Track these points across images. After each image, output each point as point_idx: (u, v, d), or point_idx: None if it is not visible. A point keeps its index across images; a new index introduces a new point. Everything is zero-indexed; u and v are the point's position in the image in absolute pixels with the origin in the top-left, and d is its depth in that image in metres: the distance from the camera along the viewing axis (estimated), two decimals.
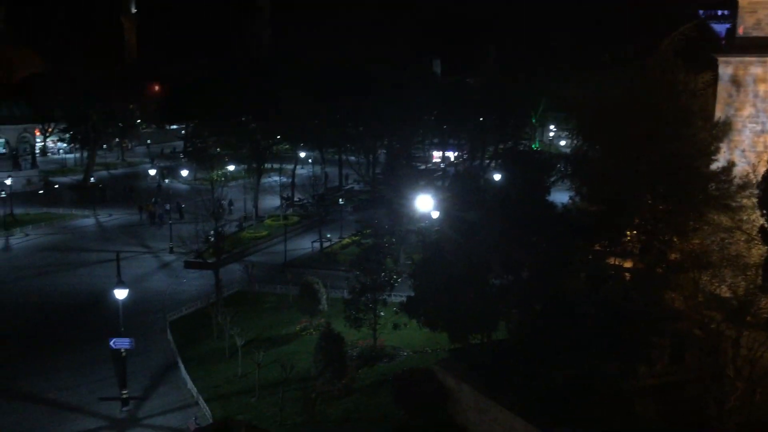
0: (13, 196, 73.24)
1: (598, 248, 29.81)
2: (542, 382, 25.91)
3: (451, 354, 31.95)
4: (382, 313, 37.46)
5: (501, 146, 77.90)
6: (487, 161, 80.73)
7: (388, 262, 38.40)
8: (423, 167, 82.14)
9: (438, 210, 40.28)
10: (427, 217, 44.98)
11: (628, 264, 30.41)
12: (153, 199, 77.33)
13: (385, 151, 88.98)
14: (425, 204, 43.53)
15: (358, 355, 35.72)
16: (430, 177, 71.20)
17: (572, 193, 34.01)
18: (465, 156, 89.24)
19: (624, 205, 28.70)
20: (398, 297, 39.26)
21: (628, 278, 29.10)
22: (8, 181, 75.43)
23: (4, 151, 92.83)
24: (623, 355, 25.03)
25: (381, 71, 79.52)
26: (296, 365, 33.22)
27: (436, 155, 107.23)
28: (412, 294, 32.45)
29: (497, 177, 44.62)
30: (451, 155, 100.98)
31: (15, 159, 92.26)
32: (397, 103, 73.89)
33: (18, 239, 65.48)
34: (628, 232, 30.04)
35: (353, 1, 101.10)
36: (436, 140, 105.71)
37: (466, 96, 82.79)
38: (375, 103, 74.34)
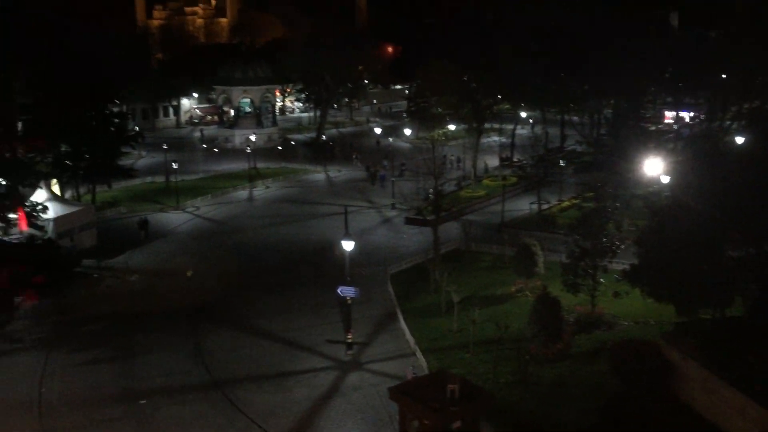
0: (256, 151, 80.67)
1: None
2: None
3: (676, 327, 30.04)
4: (601, 280, 36.16)
5: (746, 106, 70.52)
6: (728, 123, 73.59)
7: (610, 227, 36.80)
8: (653, 128, 76.90)
9: (669, 175, 37.81)
10: (656, 181, 42.38)
11: None
12: (354, 156, 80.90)
13: (610, 111, 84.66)
14: (654, 168, 41.08)
15: (574, 321, 34.93)
16: (660, 139, 66.58)
17: None
18: (702, 117, 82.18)
19: None
20: (619, 264, 37.62)
21: None
22: (252, 138, 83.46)
23: (249, 110, 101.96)
24: None
25: (610, 25, 75.24)
26: (510, 325, 33.30)
27: (669, 116, 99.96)
28: (635, 262, 30.90)
29: (739, 140, 40.78)
30: (686, 116, 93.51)
31: (258, 117, 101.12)
32: (627, 60, 69.59)
33: (260, 191, 72.30)
34: None
35: None
36: (669, 99, 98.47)
37: (706, 51, 75.78)
38: (602, 60, 70.67)
